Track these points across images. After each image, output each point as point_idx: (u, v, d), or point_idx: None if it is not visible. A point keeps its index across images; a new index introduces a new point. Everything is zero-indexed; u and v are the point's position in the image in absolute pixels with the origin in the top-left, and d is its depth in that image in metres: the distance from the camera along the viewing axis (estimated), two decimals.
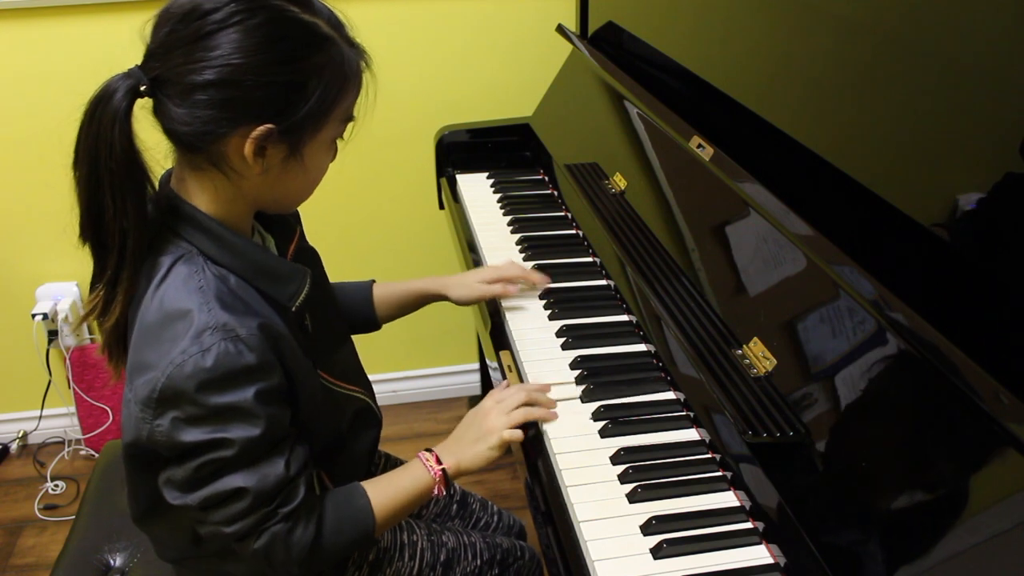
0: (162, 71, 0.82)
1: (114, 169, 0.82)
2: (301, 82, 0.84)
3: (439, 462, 1.02)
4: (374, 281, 1.31)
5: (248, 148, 0.84)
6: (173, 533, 1.00)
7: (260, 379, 0.85)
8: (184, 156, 0.88)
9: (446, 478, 1.02)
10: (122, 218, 0.84)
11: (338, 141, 0.94)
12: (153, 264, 0.87)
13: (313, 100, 0.85)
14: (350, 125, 0.93)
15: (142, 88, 0.82)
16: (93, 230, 0.86)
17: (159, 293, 0.85)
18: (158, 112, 0.85)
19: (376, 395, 1.17)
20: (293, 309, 0.93)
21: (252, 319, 0.85)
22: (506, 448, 1.06)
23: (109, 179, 0.82)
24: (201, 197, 0.89)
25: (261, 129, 0.84)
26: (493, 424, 1.05)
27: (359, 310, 1.28)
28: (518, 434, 1.05)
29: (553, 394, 1.11)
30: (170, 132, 0.85)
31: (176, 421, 0.84)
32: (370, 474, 1.23)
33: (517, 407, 1.07)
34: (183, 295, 0.85)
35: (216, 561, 1.02)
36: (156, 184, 0.88)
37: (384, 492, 0.99)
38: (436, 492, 1.02)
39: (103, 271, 0.87)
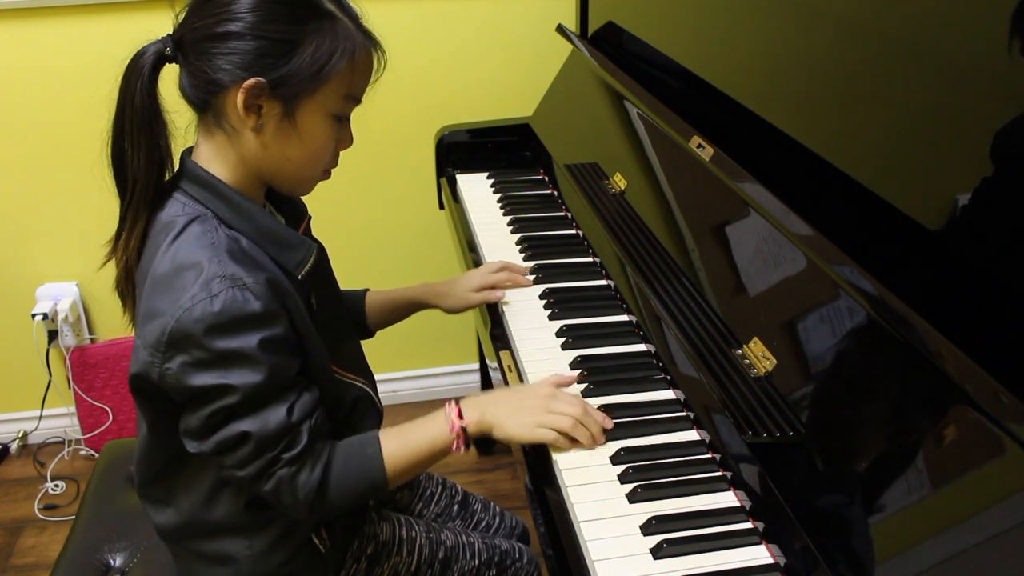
0: (182, 33, 0.91)
1: (134, 119, 0.90)
2: (293, 40, 0.90)
3: (461, 416, 1.01)
4: (368, 290, 1.33)
5: (240, 99, 0.89)
6: (186, 492, 1.02)
7: (265, 327, 0.89)
8: (199, 122, 0.95)
9: (466, 435, 1.00)
10: (136, 161, 0.92)
11: (351, 130, 0.98)
12: (169, 223, 0.92)
13: (303, 60, 0.90)
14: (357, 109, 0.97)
15: (167, 51, 0.91)
16: (117, 173, 0.94)
17: (172, 248, 0.90)
18: (180, 77, 0.93)
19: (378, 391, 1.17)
20: (300, 277, 0.96)
21: (260, 272, 0.90)
22: (533, 440, 1.02)
23: (130, 127, 0.91)
24: (213, 163, 0.95)
25: (251, 81, 0.88)
26: (537, 408, 1.01)
27: (352, 316, 1.30)
28: (551, 436, 1.01)
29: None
30: (183, 91, 0.93)
31: (184, 365, 0.88)
32: None
33: (567, 414, 1.02)
34: (195, 249, 0.90)
35: (218, 538, 1.03)
36: (174, 146, 0.94)
37: (398, 442, 1.00)
38: (454, 448, 1.00)
39: (121, 209, 0.95)
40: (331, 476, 0.96)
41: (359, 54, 0.94)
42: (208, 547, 1.04)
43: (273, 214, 1.04)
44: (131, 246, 0.94)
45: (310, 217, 1.10)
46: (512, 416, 1.02)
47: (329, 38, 0.91)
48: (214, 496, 1.01)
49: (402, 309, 1.34)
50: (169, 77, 0.93)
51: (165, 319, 0.87)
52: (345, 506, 1.00)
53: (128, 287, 0.98)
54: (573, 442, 1.02)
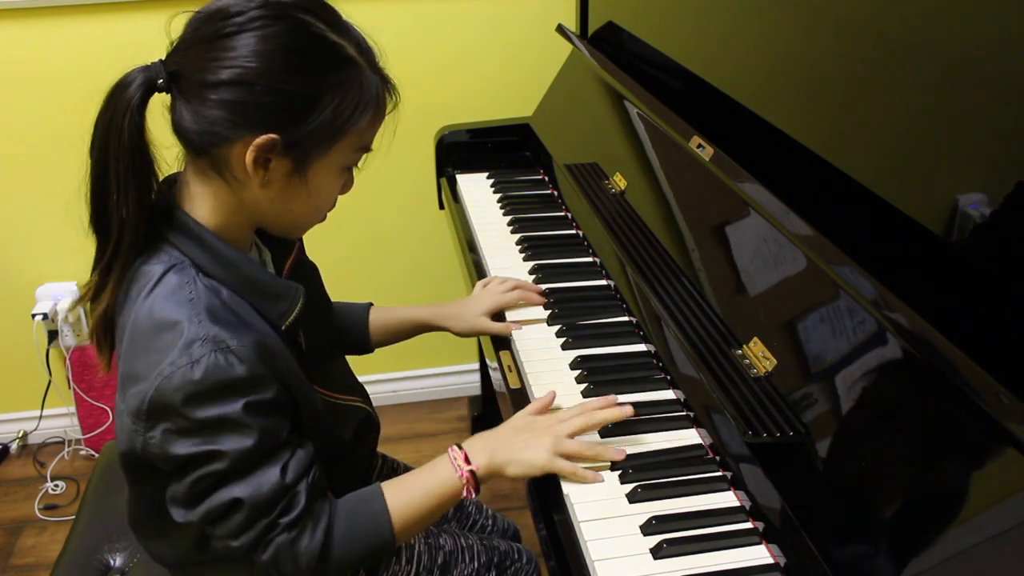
0: (179, 67, 0.82)
1: (120, 157, 0.82)
2: (313, 96, 0.83)
3: (468, 461, 0.95)
4: (371, 304, 1.28)
5: (249, 156, 0.82)
6: (175, 543, 0.98)
7: (250, 392, 0.83)
8: (190, 159, 0.88)
9: (476, 480, 0.95)
10: (123, 207, 0.84)
11: (354, 171, 0.92)
12: (145, 272, 0.86)
13: (323, 117, 0.83)
14: (366, 156, 0.91)
15: (159, 82, 0.82)
16: (97, 217, 0.86)
17: (148, 301, 0.84)
18: (172, 109, 0.85)
19: (376, 395, 1.16)
20: (283, 327, 0.91)
21: (246, 334, 0.84)
22: (553, 471, 0.96)
23: (115, 166, 0.82)
24: (201, 205, 0.88)
25: (264, 138, 0.82)
26: (544, 443, 0.96)
27: (353, 332, 1.26)
28: (567, 471, 0.96)
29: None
30: (178, 130, 0.85)
31: (167, 433, 0.83)
32: (367, 478, 1.23)
33: (576, 433, 0.98)
34: (172, 306, 0.83)
35: (215, 569, 1.00)
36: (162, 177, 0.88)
37: (404, 495, 0.94)
38: (464, 494, 0.94)
39: (101, 258, 0.88)
40: (334, 538, 0.89)
41: (378, 106, 0.88)
42: (206, 574, 1.02)
43: (259, 248, 0.99)
44: (112, 299, 0.87)
45: (300, 244, 1.05)
46: (526, 451, 0.96)
47: (352, 92, 0.84)
48: (202, 541, 0.95)
49: (408, 329, 1.28)
50: (152, 102, 0.85)
51: (144, 386, 0.81)
52: (351, 568, 0.93)
53: (106, 338, 0.90)
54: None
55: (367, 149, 0.91)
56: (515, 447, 0.97)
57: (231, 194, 0.87)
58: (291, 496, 0.87)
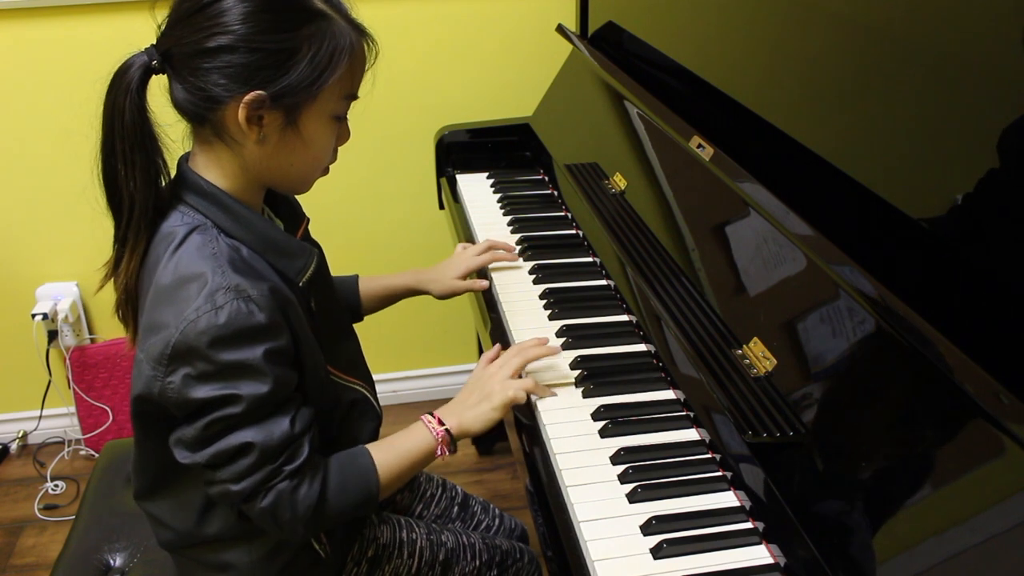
0: (169, 46, 0.88)
1: (125, 137, 0.88)
2: (290, 49, 0.88)
3: (441, 423, 1.04)
4: (358, 276, 1.35)
5: (241, 114, 0.88)
6: (178, 510, 1.01)
7: (269, 339, 0.88)
8: (195, 132, 0.93)
9: (450, 438, 1.03)
10: (130, 180, 0.89)
11: (349, 124, 0.97)
12: (169, 233, 0.91)
13: (302, 68, 0.88)
14: (354, 104, 0.96)
15: (154, 63, 0.88)
16: (110, 195, 0.92)
17: (174, 259, 0.89)
18: (170, 87, 0.91)
19: (377, 394, 1.17)
20: (300, 284, 0.96)
21: (263, 282, 0.89)
22: (508, 409, 1.07)
23: (121, 146, 0.88)
24: (211, 171, 0.93)
25: (252, 95, 0.87)
26: (495, 386, 1.07)
27: (346, 301, 1.32)
28: (521, 395, 1.07)
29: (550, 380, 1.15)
30: (177, 104, 0.90)
31: (187, 378, 0.87)
32: None
33: (517, 371, 1.10)
34: (197, 260, 0.88)
35: (217, 548, 1.02)
36: (167, 158, 0.93)
37: (388, 454, 1.01)
38: (439, 453, 1.03)
39: (117, 233, 0.93)
40: (329, 489, 0.95)
41: (355, 53, 0.93)
42: (208, 556, 1.04)
43: (272, 219, 1.04)
44: (131, 268, 0.92)
45: (308, 220, 1.10)
46: (480, 405, 1.06)
47: (326, 41, 0.89)
48: (206, 512, 1.00)
49: (393, 295, 1.37)
50: (154, 85, 0.90)
51: (169, 332, 0.86)
52: (340, 519, 1.00)
53: (128, 309, 0.95)
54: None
55: (353, 97, 0.96)
56: (474, 405, 1.07)
57: (235, 156, 0.92)
58: (296, 446, 0.92)
